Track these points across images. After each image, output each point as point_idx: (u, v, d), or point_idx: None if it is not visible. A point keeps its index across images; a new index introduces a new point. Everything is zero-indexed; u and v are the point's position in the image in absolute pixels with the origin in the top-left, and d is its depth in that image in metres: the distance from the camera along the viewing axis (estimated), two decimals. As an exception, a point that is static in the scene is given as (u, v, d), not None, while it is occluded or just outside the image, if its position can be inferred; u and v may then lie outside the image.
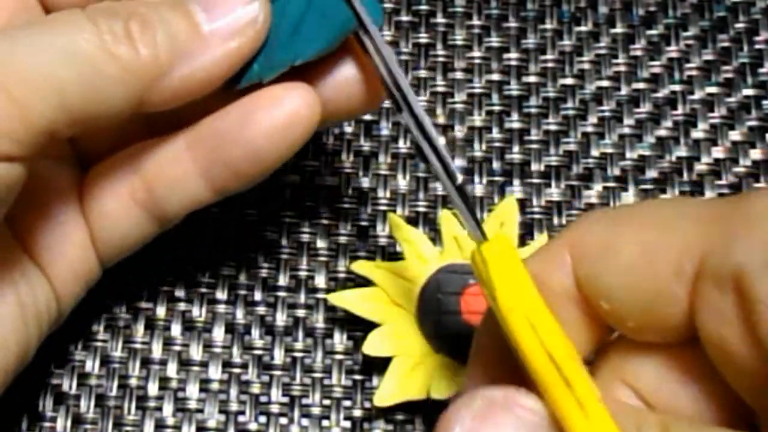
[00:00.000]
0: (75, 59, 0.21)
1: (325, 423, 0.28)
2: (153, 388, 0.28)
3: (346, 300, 0.28)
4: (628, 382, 0.21)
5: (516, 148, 0.32)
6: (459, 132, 0.32)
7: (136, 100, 0.22)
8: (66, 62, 0.21)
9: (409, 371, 0.27)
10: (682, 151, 0.32)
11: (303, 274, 0.30)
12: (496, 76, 0.33)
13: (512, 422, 0.19)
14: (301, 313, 0.29)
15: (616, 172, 0.32)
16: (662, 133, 0.33)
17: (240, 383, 0.29)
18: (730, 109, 0.33)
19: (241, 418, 0.28)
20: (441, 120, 0.32)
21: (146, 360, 0.29)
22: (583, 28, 0.34)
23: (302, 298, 0.30)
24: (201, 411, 0.28)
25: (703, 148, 0.32)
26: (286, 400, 0.28)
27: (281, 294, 0.30)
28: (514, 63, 0.33)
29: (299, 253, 0.30)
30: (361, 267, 0.28)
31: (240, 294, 0.30)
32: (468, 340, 0.27)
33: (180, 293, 0.30)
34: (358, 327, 0.29)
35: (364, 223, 0.31)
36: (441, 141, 0.23)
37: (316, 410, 0.28)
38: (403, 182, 0.31)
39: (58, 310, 0.25)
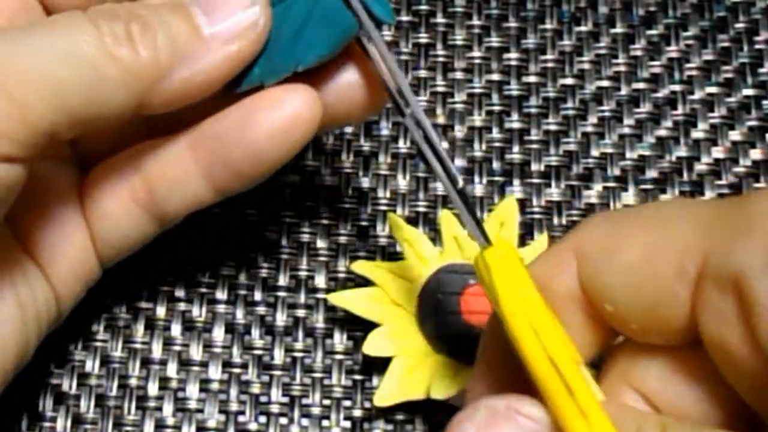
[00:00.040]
0: (76, 61, 0.21)
1: (325, 423, 0.28)
2: (153, 388, 0.28)
3: (346, 300, 0.28)
4: (634, 386, 0.21)
5: (516, 148, 0.32)
6: (459, 132, 0.32)
7: (136, 102, 0.22)
8: (67, 63, 0.21)
9: (409, 371, 0.27)
10: (682, 151, 0.32)
11: (303, 274, 0.30)
12: (496, 76, 0.33)
13: (515, 430, 0.19)
14: (301, 313, 0.29)
15: (616, 172, 0.32)
16: (662, 133, 0.33)
17: (240, 383, 0.29)
18: (730, 109, 0.33)
19: (241, 418, 0.28)
20: (441, 120, 0.32)
21: (146, 360, 0.29)
22: (583, 28, 0.34)
23: (302, 298, 0.30)
24: (201, 411, 0.28)
25: (703, 148, 0.32)
26: (286, 400, 0.28)
27: (281, 294, 0.30)
28: (514, 63, 0.33)
29: (299, 253, 0.30)
30: (361, 267, 0.28)
31: (240, 294, 0.30)
32: (468, 340, 0.27)
33: (180, 293, 0.30)
34: (358, 327, 0.29)
35: (364, 223, 0.31)
36: (443, 145, 0.23)
37: (316, 410, 0.28)
38: (403, 182, 0.31)
39: (58, 310, 0.25)
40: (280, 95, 0.24)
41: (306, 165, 0.31)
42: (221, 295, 0.30)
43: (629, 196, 0.31)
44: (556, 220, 0.31)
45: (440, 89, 0.33)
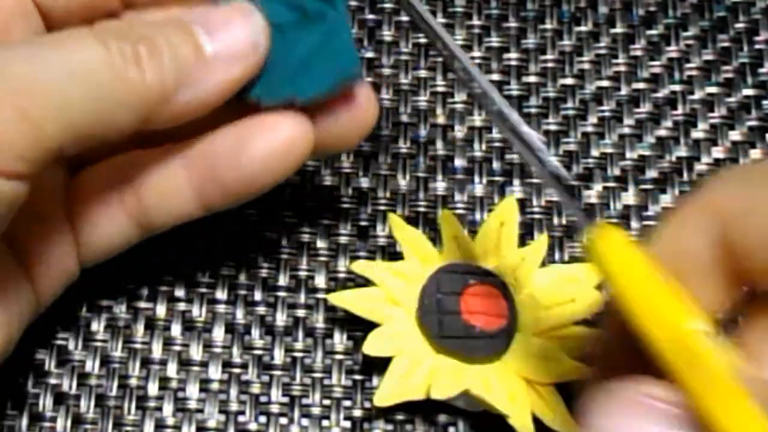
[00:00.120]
0: (85, 80, 0.21)
1: (325, 423, 0.28)
2: (153, 388, 0.28)
3: (346, 300, 0.28)
4: None
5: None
6: (459, 132, 0.32)
7: (139, 121, 0.23)
8: (76, 83, 0.21)
9: (409, 371, 0.27)
10: (682, 151, 0.32)
11: (303, 274, 0.30)
12: (496, 76, 0.33)
13: (650, 416, 0.19)
14: (301, 313, 0.29)
15: (616, 172, 0.32)
16: (662, 133, 0.33)
17: (240, 383, 0.28)
18: (730, 109, 0.33)
19: (241, 418, 0.28)
20: (441, 120, 0.32)
21: (146, 360, 0.29)
22: (583, 28, 0.34)
23: (302, 298, 0.30)
24: (201, 411, 0.28)
25: (703, 148, 0.32)
26: (286, 400, 0.28)
27: (281, 294, 0.30)
28: (514, 63, 0.33)
29: (299, 253, 0.30)
30: (361, 267, 0.28)
31: (240, 294, 0.30)
32: (468, 340, 0.28)
33: (180, 293, 0.30)
34: (358, 327, 0.29)
35: (364, 223, 0.31)
36: (536, 135, 0.23)
37: (316, 410, 0.28)
38: (403, 182, 0.31)
39: (37, 308, 0.25)
40: (276, 120, 0.24)
41: (306, 165, 0.31)
42: (221, 295, 0.30)
43: (629, 196, 0.31)
44: (556, 220, 0.31)
45: (440, 89, 0.33)
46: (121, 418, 0.28)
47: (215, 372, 0.29)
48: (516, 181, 0.32)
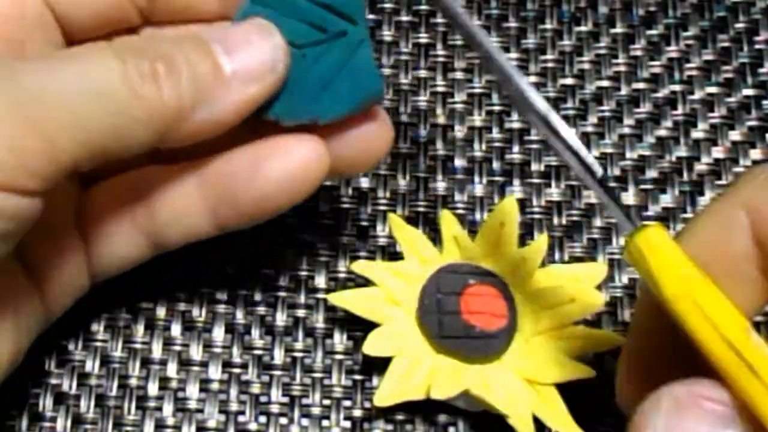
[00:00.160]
0: (102, 98, 0.21)
1: (325, 423, 0.28)
2: (153, 388, 0.28)
3: (346, 300, 0.28)
4: None
5: (516, 148, 0.32)
6: (459, 132, 0.32)
7: (155, 139, 0.22)
8: (93, 100, 0.21)
9: (409, 371, 0.27)
10: (682, 151, 0.32)
11: (303, 274, 0.30)
12: (495, 77, 0.33)
13: (703, 418, 0.19)
14: (301, 313, 0.29)
15: (616, 172, 0.32)
16: (662, 133, 0.33)
17: (240, 383, 0.29)
18: (730, 109, 0.33)
19: (241, 418, 0.28)
20: (441, 120, 0.32)
21: (146, 360, 0.29)
22: (583, 28, 0.34)
23: (302, 298, 0.30)
24: (201, 411, 0.28)
25: (703, 148, 0.32)
26: (286, 400, 0.28)
27: (281, 294, 0.30)
28: (514, 63, 0.33)
29: (299, 253, 0.30)
30: (361, 267, 0.28)
31: (240, 294, 0.30)
32: (468, 340, 0.27)
33: (180, 293, 0.30)
34: (358, 327, 0.29)
35: (364, 223, 0.31)
36: (575, 139, 0.23)
37: (316, 410, 0.28)
38: (403, 182, 0.31)
39: (46, 321, 0.25)
40: (291, 143, 0.24)
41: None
42: (221, 295, 0.30)
43: (629, 196, 0.31)
44: (556, 220, 0.31)
45: (440, 89, 0.33)
46: (121, 418, 0.28)
47: (215, 372, 0.29)
48: (516, 181, 0.32)
